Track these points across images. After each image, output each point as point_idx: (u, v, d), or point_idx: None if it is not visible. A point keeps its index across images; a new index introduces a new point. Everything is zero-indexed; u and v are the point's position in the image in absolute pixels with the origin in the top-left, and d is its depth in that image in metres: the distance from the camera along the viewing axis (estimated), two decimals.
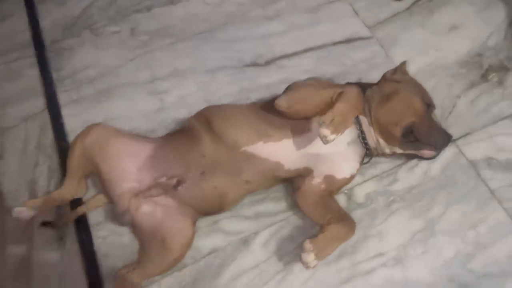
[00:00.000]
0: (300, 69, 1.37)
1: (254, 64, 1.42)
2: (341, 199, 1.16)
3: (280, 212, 1.17)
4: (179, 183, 1.07)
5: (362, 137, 1.07)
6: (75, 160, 1.16)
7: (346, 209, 1.14)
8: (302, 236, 1.13)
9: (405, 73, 1.13)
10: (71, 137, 1.40)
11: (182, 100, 1.40)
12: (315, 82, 1.11)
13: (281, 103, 1.04)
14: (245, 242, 1.15)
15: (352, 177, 1.09)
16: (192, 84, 1.42)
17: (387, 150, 1.08)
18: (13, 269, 1.25)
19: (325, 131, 0.93)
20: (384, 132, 1.05)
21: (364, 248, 1.09)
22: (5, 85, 1.56)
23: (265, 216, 1.17)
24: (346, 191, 1.17)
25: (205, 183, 1.06)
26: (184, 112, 1.37)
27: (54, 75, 1.54)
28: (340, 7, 1.46)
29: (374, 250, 1.09)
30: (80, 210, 1.21)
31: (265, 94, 1.35)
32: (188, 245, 1.09)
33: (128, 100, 1.44)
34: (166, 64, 1.48)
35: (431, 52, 1.32)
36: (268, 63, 1.41)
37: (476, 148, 1.16)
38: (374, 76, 1.28)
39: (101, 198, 1.20)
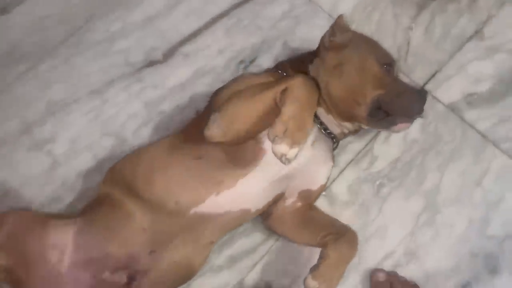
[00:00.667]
0: (212, 50, 1.05)
1: (150, 63, 1.07)
2: (322, 206, 0.94)
3: (258, 246, 0.94)
4: (131, 278, 0.79)
5: (323, 129, 0.84)
6: None
7: (332, 214, 0.93)
8: (297, 264, 0.92)
9: (345, 29, 0.86)
10: None
11: (76, 144, 1.04)
12: (245, 85, 0.82)
13: (213, 133, 0.76)
14: None
15: (328, 178, 0.88)
16: (78, 117, 1.06)
17: (356, 127, 0.87)
18: None
19: (281, 148, 0.69)
20: (347, 115, 0.83)
21: (369, 253, 0.91)
22: None
23: (243, 258, 0.94)
24: (324, 194, 0.95)
25: (160, 262, 0.79)
26: (88, 160, 1.03)
27: None
28: None
29: (381, 252, 0.91)
30: None
31: (183, 100, 1.03)
32: None
33: (7, 165, 1.06)
34: (34, 100, 1.08)
35: None
36: (167, 55, 1.07)
37: (450, 87, 0.96)
38: (302, 33, 1.01)
39: None
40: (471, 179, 0.92)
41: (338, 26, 0.85)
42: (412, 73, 0.97)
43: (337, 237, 0.79)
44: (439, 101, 0.95)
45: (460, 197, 0.91)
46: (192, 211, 0.78)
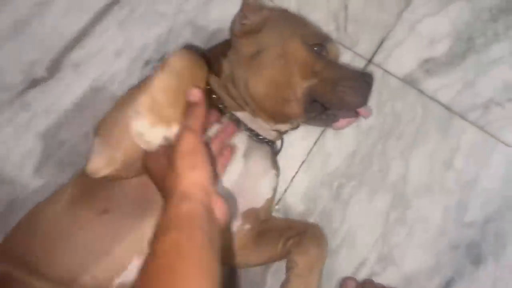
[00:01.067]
0: (106, 54, 0.83)
1: (33, 82, 0.83)
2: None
3: None
4: None
5: (254, 135, 0.69)
6: None
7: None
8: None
9: (257, 8, 0.69)
10: None
11: None
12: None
13: (95, 166, 0.60)
14: None
15: (275, 189, 0.74)
16: None
17: (294, 125, 0.72)
18: None
19: (141, 125, 0.54)
20: (278, 116, 0.68)
21: (341, 265, 0.78)
22: None
23: None
24: (277, 207, 0.79)
25: None
26: None
27: None
28: None
29: (353, 262, 0.78)
30: None
31: (85, 123, 0.82)
32: None
33: None
34: None
35: None
36: (53, 69, 0.83)
37: (402, 56, 0.80)
38: (215, 13, 0.82)
39: None
40: (440, 161, 0.78)
41: (248, 6, 0.66)
42: (355, 45, 0.80)
43: (299, 239, 0.69)
44: (391, 74, 0.79)
45: (431, 184, 0.78)
46: (116, 282, 0.61)
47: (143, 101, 0.54)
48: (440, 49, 0.79)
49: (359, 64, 0.80)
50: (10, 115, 0.83)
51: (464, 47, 0.79)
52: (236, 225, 0.70)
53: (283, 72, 0.64)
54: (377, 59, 0.80)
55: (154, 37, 0.83)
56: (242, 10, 0.67)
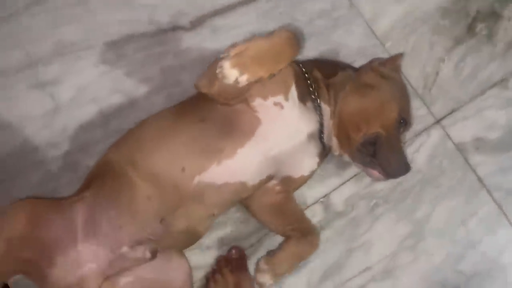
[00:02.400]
0: (241, 31, 1.02)
1: (176, 28, 1.02)
2: (317, 210, 0.99)
3: (250, 235, 0.98)
4: (154, 253, 0.81)
5: (320, 130, 0.85)
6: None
7: (324, 220, 0.98)
8: None
9: (396, 69, 0.89)
10: None
11: (83, 94, 1.00)
12: None
13: (200, 83, 0.77)
14: None
15: (311, 174, 0.90)
16: (90, 66, 1.01)
17: (336, 153, 0.88)
18: None
19: (224, 62, 0.70)
20: (343, 131, 0.84)
21: (349, 264, 0.97)
22: None
23: (231, 243, 0.97)
24: (322, 200, 0.99)
25: (172, 230, 0.82)
26: (91, 111, 1.00)
27: None
28: None
29: (361, 265, 0.97)
30: None
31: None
32: (191, 273, 0.89)
33: (6, 98, 1.00)
34: (44, 36, 1.01)
35: None
36: (195, 24, 1.02)
37: (463, 128, 1.00)
38: (337, 36, 1.00)
39: None
40: (458, 217, 0.98)
41: (393, 61, 0.86)
42: (433, 104, 1.00)
43: (301, 235, 0.85)
44: (450, 138, 0.99)
45: (445, 232, 0.98)
46: (196, 180, 0.79)
47: (237, 48, 0.70)
48: (494, 134, 0.99)
49: (428, 120, 1.00)
50: (147, 44, 1.01)
51: (511, 142, 0.99)
52: (273, 182, 0.87)
53: (374, 112, 0.81)
54: (444, 122, 0.99)
55: None
56: (388, 61, 0.86)
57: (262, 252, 0.97)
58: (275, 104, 0.78)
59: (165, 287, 0.86)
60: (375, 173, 0.81)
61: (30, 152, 0.98)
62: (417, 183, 0.99)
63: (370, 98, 0.82)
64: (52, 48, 1.01)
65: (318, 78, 0.84)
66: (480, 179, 0.99)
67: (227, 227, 0.98)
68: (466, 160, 0.99)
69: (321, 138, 0.85)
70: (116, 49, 1.01)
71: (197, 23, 1.02)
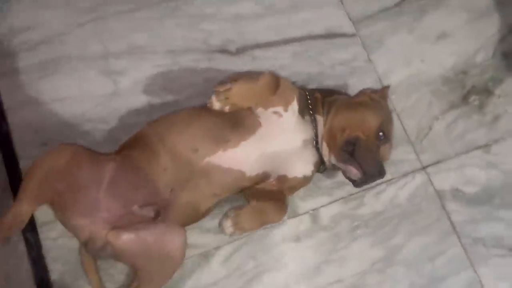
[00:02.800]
0: (276, 63, 1.24)
1: (224, 51, 1.26)
2: (305, 220, 1.13)
3: None
4: (157, 214, 0.99)
5: (315, 140, 1.02)
6: (36, 184, 0.96)
7: (310, 230, 1.13)
8: (266, 254, 1.11)
9: (384, 97, 1.08)
10: (10, 117, 1.23)
11: (139, 85, 1.24)
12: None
13: (214, 104, 0.99)
14: (206, 257, 1.12)
15: (305, 179, 1.04)
16: (150, 66, 1.25)
17: (326, 159, 1.03)
18: None
19: (213, 97, 0.96)
20: (331, 135, 1.00)
21: (324, 273, 1.10)
22: None
23: None
24: (311, 212, 1.14)
25: (177, 201, 0.99)
26: (141, 101, 1.23)
27: None
28: None
29: (334, 276, 1.09)
30: None
31: None
32: (185, 245, 1.03)
33: (77, 78, 1.26)
34: (121, 37, 1.28)
35: (415, 63, 1.23)
36: (239, 51, 1.26)
37: (445, 178, 1.14)
38: (350, 83, 1.20)
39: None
40: (428, 253, 1.10)
41: (382, 92, 1.05)
42: (422, 153, 1.16)
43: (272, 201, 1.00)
44: (432, 184, 1.14)
45: (413, 264, 1.09)
46: (205, 160, 0.98)
47: (224, 87, 0.94)
48: (471, 189, 1.13)
49: (415, 165, 1.16)
50: (198, 58, 1.25)
51: (486, 198, 1.13)
52: (270, 180, 1.02)
53: (358, 120, 0.98)
54: (429, 169, 1.15)
55: (307, 72, 1.24)
56: (377, 91, 1.07)
57: (252, 244, 1.12)
58: (274, 113, 0.99)
59: (159, 251, 1.00)
60: (353, 169, 0.95)
61: (83, 122, 1.20)
62: (396, 216, 1.12)
63: (356, 111, 1.00)
64: (125, 47, 1.27)
65: (317, 98, 1.04)
66: (452, 224, 1.11)
67: None
68: (443, 205, 1.12)
69: (316, 149, 1.02)
70: (173, 57, 1.26)
71: (241, 50, 1.26)
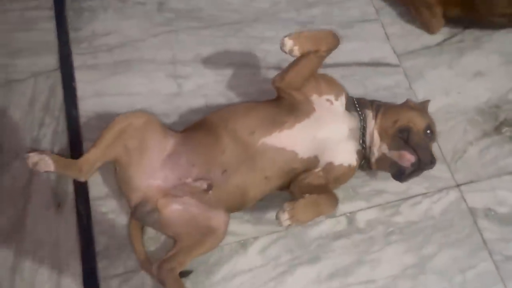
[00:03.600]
0: None
1: (278, 68, 1.40)
2: (342, 222, 1.20)
3: None
4: (209, 187, 1.08)
5: (362, 132, 1.10)
6: (113, 136, 1.10)
7: (345, 231, 1.19)
8: (301, 249, 1.17)
9: (425, 109, 1.19)
10: (80, 105, 1.38)
11: (200, 89, 1.39)
12: None
13: (275, 77, 1.11)
14: (244, 245, 1.18)
15: (350, 168, 1.10)
16: (212, 74, 1.41)
17: (375, 150, 1.09)
18: (4, 229, 1.23)
19: (285, 37, 1.01)
20: (383, 126, 1.09)
21: (357, 273, 1.14)
22: (17, 35, 1.51)
23: (268, 223, 1.20)
24: (348, 214, 1.20)
25: (228, 182, 1.08)
26: (200, 102, 1.37)
27: (71, 35, 1.49)
28: (373, 28, 1.46)
29: (366, 276, 1.13)
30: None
31: None
32: (227, 224, 1.11)
33: (145, 77, 1.42)
34: (190, 48, 1.45)
35: (453, 94, 1.35)
36: None
37: (478, 197, 1.21)
38: None
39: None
40: (459, 265, 1.14)
41: (423, 104, 1.19)
42: (455, 172, 1.24)
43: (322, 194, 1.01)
44: (464, 200, 1.20)
45: (444, 273, 1.13)
46: (261, 141, 1.07)
47: (296, 33, 1.01)
48: (503, 209, 1.19)
49: (450, 183, 1.23)
50: (255, 71, 1.40)
51: None
52: (318, 169, 1.09)
53: (408, 116, 1.08)
54: (463, 188, 1.22)
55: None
56: (419, 103, 1.19)
57: (288, 238, 1.19)
58: (327, 100, 1.10)
59: (202, 224, 1.10)
60: (407, 154, 1.01)
61: None
62: (430, 226, 1.18)
63: (406, 110, 1.11)
64: (192, 57, 1.44)
65: (365, 100, 1.16)
66: (484, 241, 1.16)
67: (268, 210, 1.20)
68: (475, 222, 1.18)
69: (363, 140, 1.10)
70: (233, 69, 1.41)
71: None
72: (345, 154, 1.09)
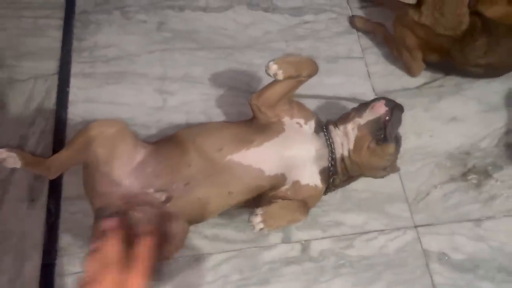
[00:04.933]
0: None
1: None
2: (296, 248, 1.22)
3: (238, 242, 1.23)
4: (168, 199, 1.12)
5: (330, 150, 1.13)
6: (83, 142, 1.15)
7: (299, 259, 1.20)
8: (252, 271, 1.19)
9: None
10: (70, 108, 1.46)
11: (183, 106, 1.45)
12: None
13: (253, 96, 1.16)
14: (197, 259, 1.21)
15: (316, 189, 1.12)
16: (197, 93, 1.48)
17: (350, 130, 1.13)
18: None
19: (270, 62, 1.07)
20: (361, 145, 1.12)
21: None
22: (27, 40, 1.62)
23: (223, 242, 1.23)
24: (303, 242, 1.22)
25: (190, 194, 1.11)
26: (181, 118, 1.43)
27: (75, 44, 1.60)
28: (357, 66, 1.51)
29: None
30: None
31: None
32: (186, 234, 1.13)
33: (135, 90, 1.50)
34: (181, 67, 1.53)
35: (425, 136, 1.36)
36: None
37: (434, 240, 1.21)
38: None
39: None
40: None
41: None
42: (415, 214, 1.24)
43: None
44: (420, 242, 1.20)
45: None
46: (227, 158, 1.10)
47: (280, 58, 1.07)
48: (457, 256, 1.18)
49: (408, 223, 1.24)
50: (237, 94, 1.46)
51: (470, 267, 1.17)
52: (285, 188, 1.10)
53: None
54: (420, 229, 1.22)
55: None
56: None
57: (240, 259, 1.21)
58: (297, 123, 1.14)
59: (161, 232, 1.10)
60: (375, 102, 1.11)
61: (129, 125, 1.40)
62: (382, 263, 1.18)
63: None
64: (181, 75, 1.52)
65: (331, 121, 1.20)
66: (433, 285, 1.15)
67: (226, 229, 1.24)
68: (427, 264, 1.18)
69: (330, 163, 1.13)
70: (218, 90, 1.48)
71: None
72: (311, 174, 1.12)
